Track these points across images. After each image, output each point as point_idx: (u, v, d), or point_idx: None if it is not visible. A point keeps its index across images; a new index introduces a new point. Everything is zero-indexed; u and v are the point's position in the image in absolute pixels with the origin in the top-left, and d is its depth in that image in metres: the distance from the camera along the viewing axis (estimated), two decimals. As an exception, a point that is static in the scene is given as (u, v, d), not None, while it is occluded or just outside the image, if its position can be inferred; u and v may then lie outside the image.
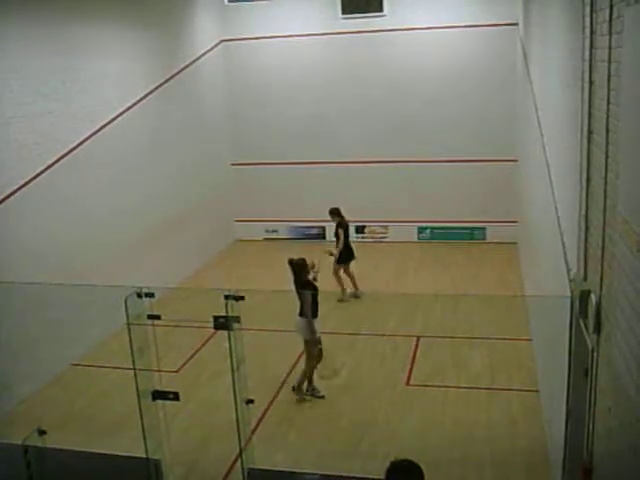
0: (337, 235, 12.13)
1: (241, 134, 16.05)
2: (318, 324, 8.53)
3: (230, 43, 15.63)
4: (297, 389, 8.60)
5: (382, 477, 3.74)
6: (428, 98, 14.92)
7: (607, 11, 3.80)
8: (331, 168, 15.65)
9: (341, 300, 11.91)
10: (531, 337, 9.82)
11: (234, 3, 15.42)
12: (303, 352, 8.71)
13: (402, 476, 3.78)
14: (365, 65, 15.09)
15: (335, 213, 12.34)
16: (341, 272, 12.10)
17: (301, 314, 8.47)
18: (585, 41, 4.64)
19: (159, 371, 6.41)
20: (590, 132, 4.51)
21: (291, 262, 8.72)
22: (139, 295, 6.00)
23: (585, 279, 4.73)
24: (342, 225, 12.22)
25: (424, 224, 15.57)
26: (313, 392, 8.62)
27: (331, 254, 11.82)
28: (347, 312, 11.27)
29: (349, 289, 12.14)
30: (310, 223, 16.08)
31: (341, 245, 12.03)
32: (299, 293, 8.48)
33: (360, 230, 15.90)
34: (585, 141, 4.61)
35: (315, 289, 8.65)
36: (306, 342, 8.50)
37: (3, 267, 8.55)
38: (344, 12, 14.92)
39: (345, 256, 12.09)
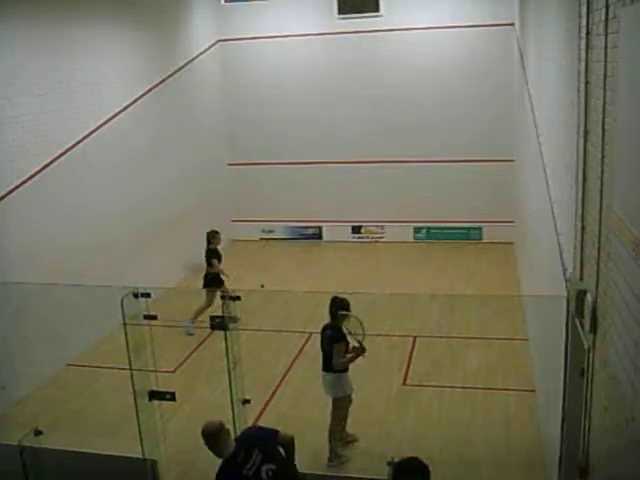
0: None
1: (237, 134, 16.04)
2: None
3: (226, 43, 15.62)
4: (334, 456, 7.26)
5: (378, 477, 3.75)
6: (425, 98, 14.92)
7: (603, 11, 3.81)
8: (327, 168, 15.64)
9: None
10: (527, 337, 9.83)
11: (230, 3, 15.41)
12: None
13: (410, 474, 3.79)
14: (362, 65, 15.09)
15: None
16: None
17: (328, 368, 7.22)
18: (581, 41, 4.64)
19: (155, 371, 6.41)
20: (586, 132, 4.52)
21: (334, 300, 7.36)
22: (135, 295, 6.01)
23: (581, 279, 4.74)
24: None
25: (420, 224, 15.57)
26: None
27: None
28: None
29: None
30: (306, 223, 16.10)
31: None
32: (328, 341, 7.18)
33: (356, 230, 15.91)
34: (581, 141, 4.62)
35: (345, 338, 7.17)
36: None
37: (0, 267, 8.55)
38: (340, 12, 14.92)
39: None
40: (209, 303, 10.50)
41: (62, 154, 10.00)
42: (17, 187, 9.07)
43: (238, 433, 6.30)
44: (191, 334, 10.54)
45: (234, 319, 6.20)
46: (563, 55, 6.16)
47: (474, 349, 9.78)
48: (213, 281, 10.80)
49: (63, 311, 9.23)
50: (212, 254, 10.98)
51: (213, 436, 4.81)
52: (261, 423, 7.95)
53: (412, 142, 15.12)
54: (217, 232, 11.18)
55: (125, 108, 11.72)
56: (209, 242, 11.07)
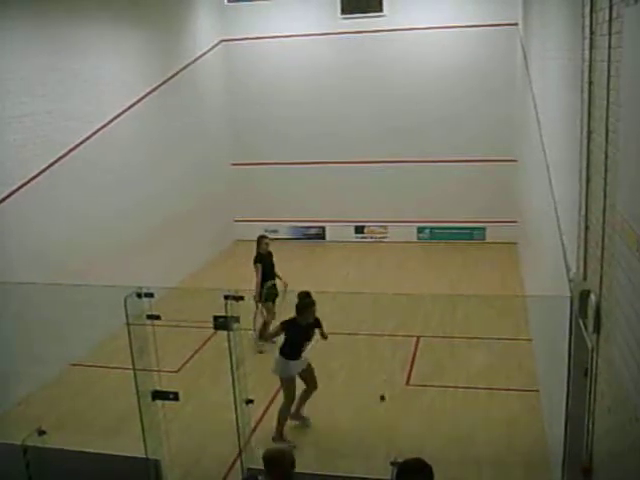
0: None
1: (241, 134, 16.05)
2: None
3: (230, 43, 15.63)
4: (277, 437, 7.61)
5: (381, 477, 3.75)
6: (428, 98, 14.92)
7: (607, 11, 3.81)
8: (330, 168, 15.65)
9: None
10: (531, 337, 9.82)
11: (234, 3, 15.42)
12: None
13: (413, 475, 3.79)
14: (365, 65, 15.09)
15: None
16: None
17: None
18: (585, 41, 4.64)
19: (159, 371, 6.41)
20: (590, 132, 4.52)
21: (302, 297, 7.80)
22: (139, 295, 6.00)
23: (585, 279, 4.73)
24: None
25: (423, 224, 15.57)
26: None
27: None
28: (347, 312, 11.26)
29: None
30: (310, 223, 16.11)
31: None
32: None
33: (359, 230, 15.91)
34: (585, 141, 4.62)
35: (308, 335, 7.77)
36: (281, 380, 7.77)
37: (2, 267, 8.54)
38: (344, 12, 14.93)
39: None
40: (270, 316, 10.20)
41: (65, 154, 10.01)
42: (20, 187, 9.08)
43: (240, 433, 6.32)
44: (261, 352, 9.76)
45: (237, 319, 6.19)
46: (566, 55, 6.16)
47: (477, 349, 9.77)
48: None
49: (67, 311, 9.23)
50: (255, 259, 10.47)
51: (266, 463, 4.51)
52: (264, 423, 7.96)
53: (415, 142, 15.12)
54: (263, 236, 10.62)
55: (128, 108, 11.72)
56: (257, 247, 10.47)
